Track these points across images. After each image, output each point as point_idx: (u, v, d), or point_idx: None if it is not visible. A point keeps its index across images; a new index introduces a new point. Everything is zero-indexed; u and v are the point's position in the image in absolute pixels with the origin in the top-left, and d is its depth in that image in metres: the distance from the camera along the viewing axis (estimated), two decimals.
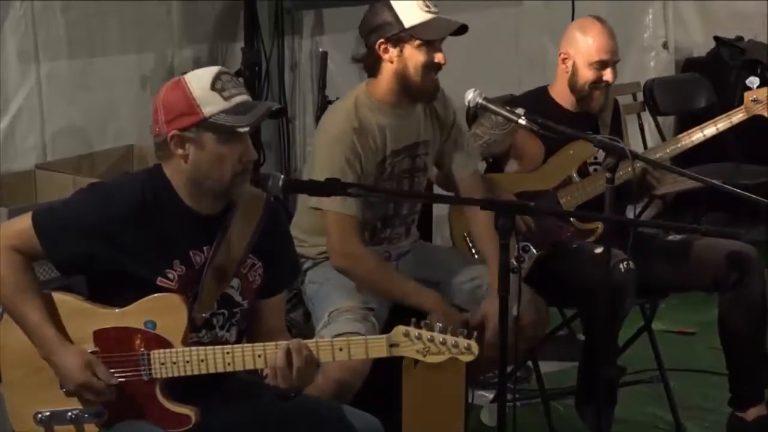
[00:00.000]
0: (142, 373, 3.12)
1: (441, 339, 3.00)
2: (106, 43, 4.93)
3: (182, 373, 3.11)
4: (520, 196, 4.38)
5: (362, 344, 3.07)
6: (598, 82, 4.42)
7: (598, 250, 4.10)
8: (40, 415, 3.17)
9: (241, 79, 3.15)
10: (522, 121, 3.85)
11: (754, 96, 4.42)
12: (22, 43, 4.67)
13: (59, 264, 3.17)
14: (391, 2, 3.91)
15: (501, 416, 3.33)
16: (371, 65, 3.98)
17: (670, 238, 4.52)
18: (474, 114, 4.51)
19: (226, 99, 3.10)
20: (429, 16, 3.91)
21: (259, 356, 3.08)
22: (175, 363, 3.11)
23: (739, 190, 3.91)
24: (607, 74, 4.41)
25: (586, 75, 4.42)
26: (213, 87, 3.10)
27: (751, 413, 4.43)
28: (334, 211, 3.87)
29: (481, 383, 4.54)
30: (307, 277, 4.07)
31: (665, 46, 6.93)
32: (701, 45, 7.01)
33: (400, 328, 3.02)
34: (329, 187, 3.34)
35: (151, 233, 3.12)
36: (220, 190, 3.15)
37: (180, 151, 3.11)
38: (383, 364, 3.79)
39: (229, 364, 3.09)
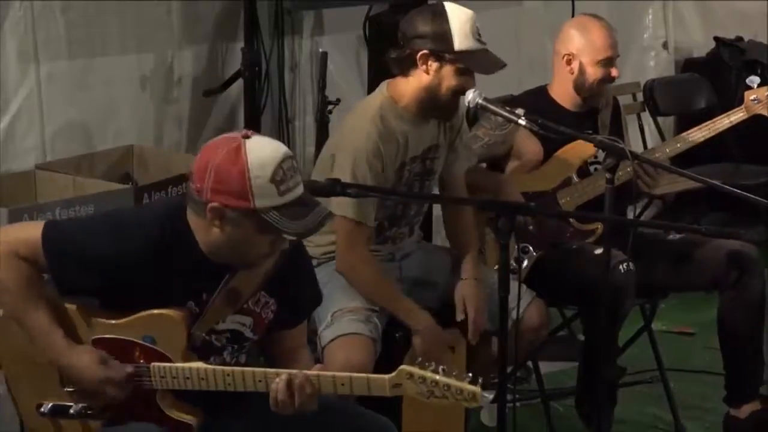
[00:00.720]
0: (143, 381, 3.10)
1: (445, 384, 2.91)
2: (106, 44, 4.92)
3: (182, 387, 3.09)
4: None
5: (364, 381, 3.01)
6: (606, 79, 4.44)
7: (598, 250, 4.10)
8: (42, 408, 3.17)
9: (299, 166, 3.06)
10: (522, 122, 3.85)
11: (754, 95, 4.43)
12: (21, 43, 4.67)
13: (60, 286, 3.10)
14: (449, 17, 3.89)
15: (501, 416, 3.33)
16: (402, 65, 3.96)
17: (670, 237, 4.52)
18: (474, 114, 4.51)
19: (281, 194, 2.95)
20: (478, 46, 3.91)
21: (260, 381, 3.04)
22: (175, 378, 3.08)
23: (739, 191, 3.91)
24: (615, 70, 4.43)
25: (595, 73, 4.42)
26: (273, 179, 2.94)
27: (745, 410, 4.44)
28: (341, 216, 3.86)
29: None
30: None
31: (665, 46, 6.92)
32: (701, 45, 7.00)
33: (404, 369, 2.94)
34: (329, 188, 3.34)
35: (165, 274, 3.05)
36: (241, 264, 3.09)
37: (216, 222, 2.98)
38: (384, 365, 3.81)
39: (229, 384, 3.06)
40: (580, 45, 4.43)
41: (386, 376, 2.97)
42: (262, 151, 2.97)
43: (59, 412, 3.16)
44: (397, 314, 3.93)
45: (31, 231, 3.08)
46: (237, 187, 2.93)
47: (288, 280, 3.20)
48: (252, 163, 2.93)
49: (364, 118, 3.94)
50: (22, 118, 4.71)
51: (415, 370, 2.93)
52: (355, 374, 3.04)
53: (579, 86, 4.46)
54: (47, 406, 3.17)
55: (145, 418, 3.12)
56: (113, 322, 3.11)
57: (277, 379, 3.00)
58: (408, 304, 3.94)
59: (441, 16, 3.90)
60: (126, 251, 3.02)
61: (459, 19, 3.90)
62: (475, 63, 3.91)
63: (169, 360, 3.08)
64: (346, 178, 3.73)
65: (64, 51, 4.79)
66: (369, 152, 3.86)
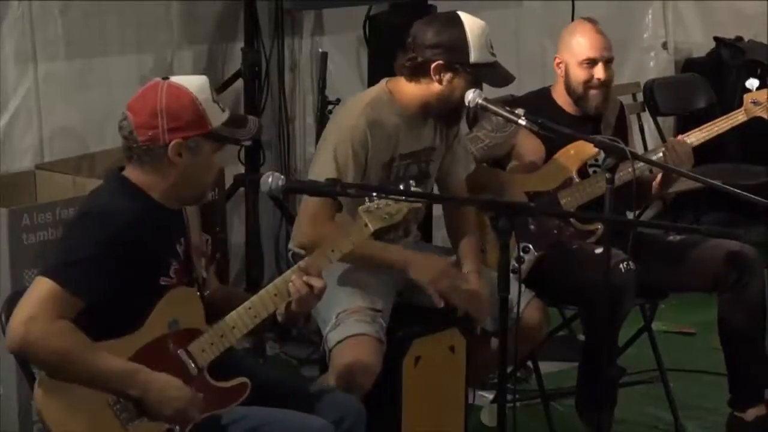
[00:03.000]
0: (190, 369, 3.17)
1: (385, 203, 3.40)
2: (105, 44, 4.92)
3: (223, 349, 3.20)
4: None
5: (347, 238, 3.37)
6: (589, 81, 4.42)
7: (599, 250, 4.10)
8: None
9: None
10: (522, 122, 3.85)
11: (754, 98, 4.44)
12: (20, 43, 4.67)
13: (92, 302, 3.07)
14: (466, 30, 3.90)
15: (501, 416, 3.33)
16: (413, 73, 3.96)
17: (670, 238, 4.52)
18: (474, 114, 4.50)
19: (222, 110, 3.20)
20: (492, 59, 3.95)
21: (276, 295, 3.26)
22: (212, 344, 3.19)
23: (739, 191, 3.91)
24: (598, 72, 4.41)
25: (578, 75, 4.42)
26: (212, 99, 3.17)
27: (751, 413, 4.43)
28: (306, 200, 3.89)
29: (481, 383, 4.54)
30: None
31: (665, 46, 6.92)
32: (701, 45, 7.00)
33: (360, 209, 3.38)
34: (329, 188, 3.34)
35: (149, 239, 3.14)
36: (198, 196, 3.26)
37: (177, 159, 3.14)
38: (385, 364, 3.81)
39: (255, 316, 3.23)
40: (566, 47, 4.45)
41: (354, 225, 3.39)
42: (190, 81, 3.19)
43: None
44: (383, 265, 3.92)
45: (40, 288, 3.04)
46: (193, 116, 3.13)
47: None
48: (196, 92, 3.14)
49: (357, 107, 3.96)
50: (20, 118, 4.70)
51: (366, 206, 3.38)
52: (339, 238, 3.36)
53: (568, 89, 4.46)
54: None
55: (211, 407, 3.17)
56: (137, 332, 3.12)
57: (292, 277, 3.25)
58: (390, 253, 3.93)
59: (457, 26, 3.91)
60: (114, 232, 3.07)
61: (475, 31, 3.91)
62: (488, 76, 3.95)
63: (198, 332, 3.19)
64: (327, 158, 3.78)
65: (63, 51, 4.79)
66: (354, 139, 3.88)
